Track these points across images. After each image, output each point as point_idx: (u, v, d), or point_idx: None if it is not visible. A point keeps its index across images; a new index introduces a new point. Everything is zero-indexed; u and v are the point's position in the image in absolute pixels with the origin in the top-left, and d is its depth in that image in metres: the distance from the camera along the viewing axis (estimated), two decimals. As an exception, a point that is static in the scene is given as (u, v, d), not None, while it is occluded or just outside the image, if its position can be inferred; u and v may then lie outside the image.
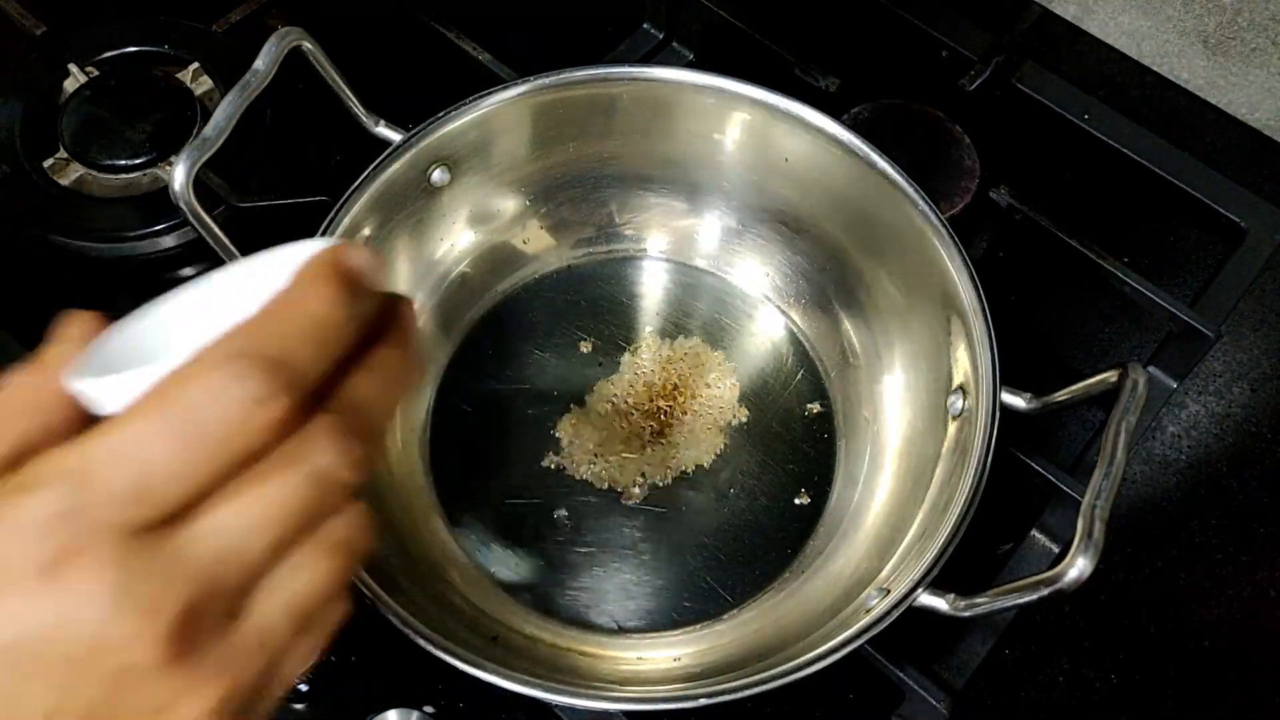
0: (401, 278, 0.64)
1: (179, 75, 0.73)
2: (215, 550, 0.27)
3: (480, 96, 0.61)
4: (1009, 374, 0.53)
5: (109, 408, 0.29)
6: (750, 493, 0.62)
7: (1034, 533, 0.62)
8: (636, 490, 0.62)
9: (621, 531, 0.61)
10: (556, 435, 0.64)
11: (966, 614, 0.47)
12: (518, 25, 0.81)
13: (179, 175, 0.53)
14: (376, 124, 0.61)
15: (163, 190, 0.68)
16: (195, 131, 0.70)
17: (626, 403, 0.64)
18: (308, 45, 0.58)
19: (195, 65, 0.73)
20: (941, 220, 0.57)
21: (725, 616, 0.59)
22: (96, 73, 0.73)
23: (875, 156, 0.59)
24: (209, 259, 0.59)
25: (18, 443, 0.29)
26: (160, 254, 0.69)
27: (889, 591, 0.49)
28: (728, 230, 0.69)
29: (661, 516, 0.62)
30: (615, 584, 0.59)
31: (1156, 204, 0.74)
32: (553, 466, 0.63)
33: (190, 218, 0.54)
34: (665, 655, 0.57)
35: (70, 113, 0.70)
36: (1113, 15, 0.81)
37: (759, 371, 0.67)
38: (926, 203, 0.57)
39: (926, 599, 0.48)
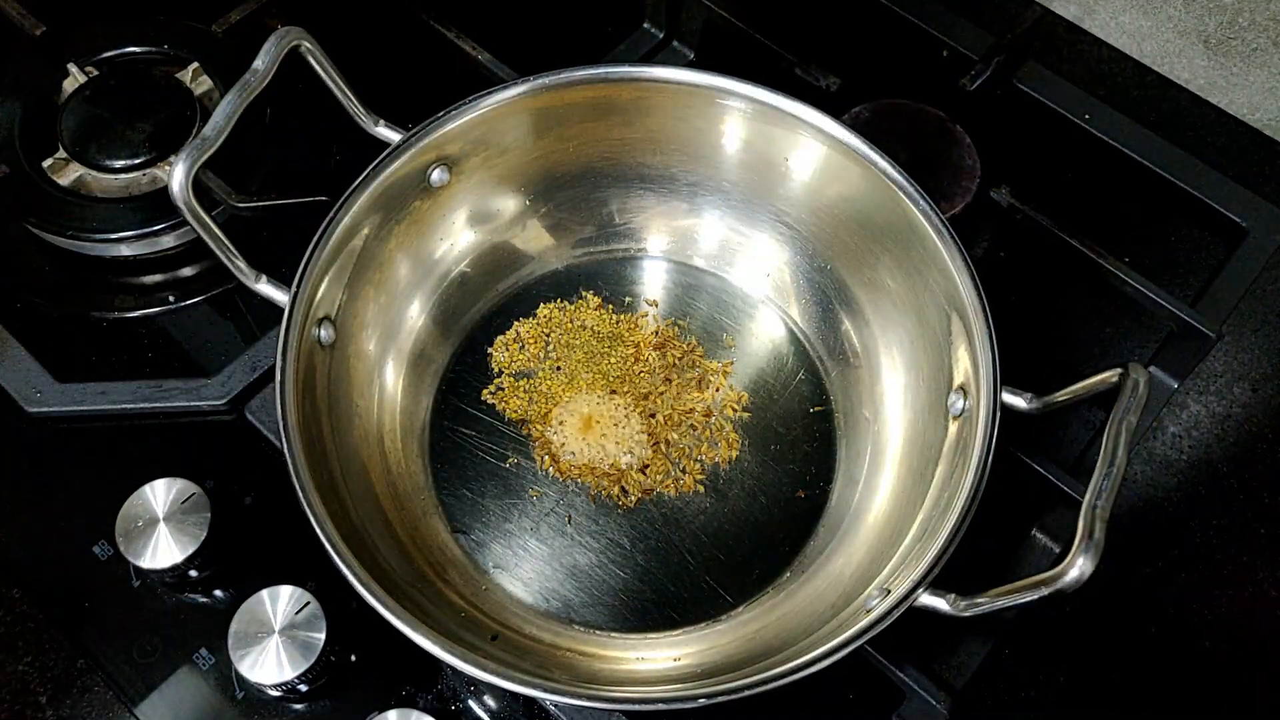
0: (401, 278, 0.64)
1: (178, 75, 0.73)
2: None
3: (480, 96, 0.61)
4: (1009, 374, 0.53)
5: None
6: (750, 493, 0.62)
7: (1034, 533, 0.62)
8: (636, 490, 0.62)
9: (621, 531, 0.61)
10: (557, 436, 0.64)
11: (966, 614, 0.47)
12: (518, 25, 0.81)
13: (178, 175, 0.53)
14: (376, 124, 0.61)
15: (162, 190, 0.68)
16: (195, 131, 0.70)
17: (627, 403, 0.64)
18: (307, 45, 0.58)
19: (195, 65, 0.73)
20: (942, 220, 0.57)
21: (725, 616, 0.59)
22: (96, 73, 0.73)
23: (875, 156, 0.59)
24: (208, 259, 0.59)
25: None
26: (159, 254, 0.69)
27: (889, 591, 0.49)
28: (728, 230, 0.69)
29: (661, 517, 0.62)
30: (615, 584, 0.59)
31: (1156, 204, 0.74)
32: (553, 467, 0.63)
33: (189, 217, 0.54)
34: (665, 655, 0.57)
35: (70, 113, 0.70)
36: (1113, 15, 0.81)
37: (759, 371, 0.67)
38: (927, 203, 0.57)
39: (927, 599, 0.48)
